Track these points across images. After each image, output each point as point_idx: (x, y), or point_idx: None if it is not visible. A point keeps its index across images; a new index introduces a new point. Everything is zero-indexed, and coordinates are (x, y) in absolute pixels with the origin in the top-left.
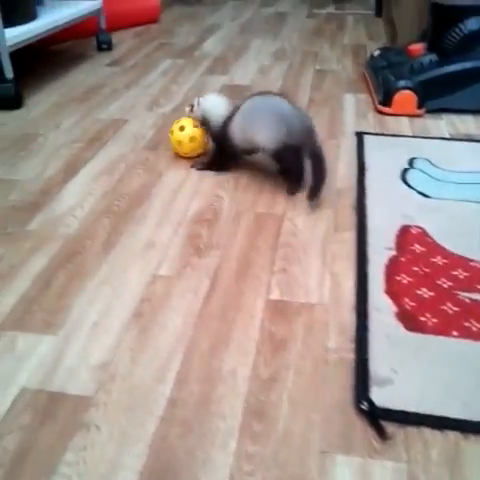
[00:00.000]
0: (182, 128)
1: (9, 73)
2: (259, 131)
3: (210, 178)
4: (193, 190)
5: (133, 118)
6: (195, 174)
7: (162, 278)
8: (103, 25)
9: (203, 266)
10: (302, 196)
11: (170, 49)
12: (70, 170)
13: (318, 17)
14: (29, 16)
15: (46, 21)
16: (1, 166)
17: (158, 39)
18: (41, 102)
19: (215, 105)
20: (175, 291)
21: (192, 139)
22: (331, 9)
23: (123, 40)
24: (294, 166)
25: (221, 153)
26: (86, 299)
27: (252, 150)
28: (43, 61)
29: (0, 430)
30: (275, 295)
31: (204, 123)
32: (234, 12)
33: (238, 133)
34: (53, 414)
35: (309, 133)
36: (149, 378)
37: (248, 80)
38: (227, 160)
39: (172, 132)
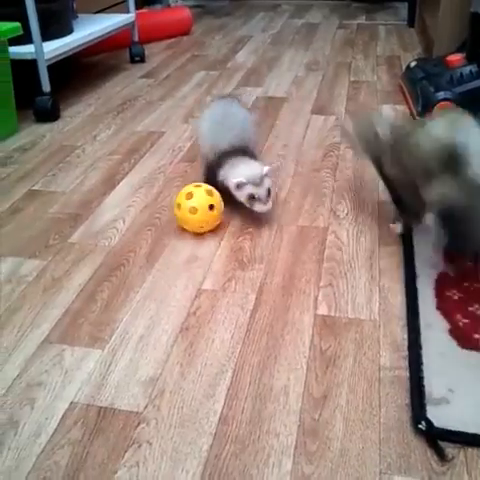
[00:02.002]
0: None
1: (46, 86)
2: (245, 130)
3: None
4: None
5: (169, 130)
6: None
7: (207, 292)
8: (136, 38)
9: (247, 280)
10: (344, 210)
11: (203, 61)
12: (109, 182)
13: (349, 28)
14: (65, 30)
15: (82, 34)
16: (41, 178)
17: (190, 51)
18: (77, 114)
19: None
20: (221, 305)
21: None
22: (362, 20)
23: (155, 52)
24: None
25: None
26: (131, 312)
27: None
28: (77, 73)
29: (51, 444)
30: (323, 310)
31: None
32: (264, 23)
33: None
34: (103, 429)
35: None
36: (199, 394)
37: (283, 92)
38: None
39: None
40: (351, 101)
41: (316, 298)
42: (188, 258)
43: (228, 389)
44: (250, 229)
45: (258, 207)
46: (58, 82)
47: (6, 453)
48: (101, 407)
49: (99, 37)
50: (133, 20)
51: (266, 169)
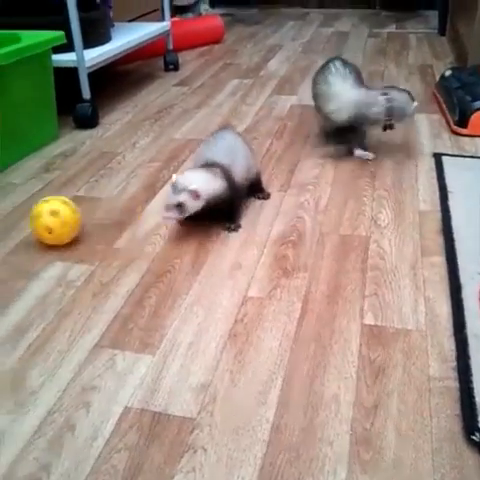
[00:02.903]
0: (54, 212)
1: (87, 93)
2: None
3: (290, 198)
4: (274, 210)
5: None
6: (274, 194)
7: (253, 299)
8: (171, 46)
9: (292, 288)
10: (385, 219)
11: (235, 69)
12: (150, 189)
13: (380, 36)
14: (104, 38)
15: (120, 42)
16: (83, 184)
17: (223, 59)
18: (115, 121)
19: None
20: (267, 313)
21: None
22: (392, 28)
23: (188, 60)
24: None
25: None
26: (180, 319)
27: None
28: (113, 81)
29: (108, 448)
30: (369, 319)
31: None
32: (294, 32)
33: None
34: (158, 434)
35: None
36: (251, 401)
37: None
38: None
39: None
40: None
41: (362, 307)
42: (232, 265)
43: (279, 397)
44: (292, 237)
45: (162, 213)
46: (95, 90)
47: (65, 455)
48: (155, 412)
49: (136, 45)
50: (168, 28)
51: (194, 186)
